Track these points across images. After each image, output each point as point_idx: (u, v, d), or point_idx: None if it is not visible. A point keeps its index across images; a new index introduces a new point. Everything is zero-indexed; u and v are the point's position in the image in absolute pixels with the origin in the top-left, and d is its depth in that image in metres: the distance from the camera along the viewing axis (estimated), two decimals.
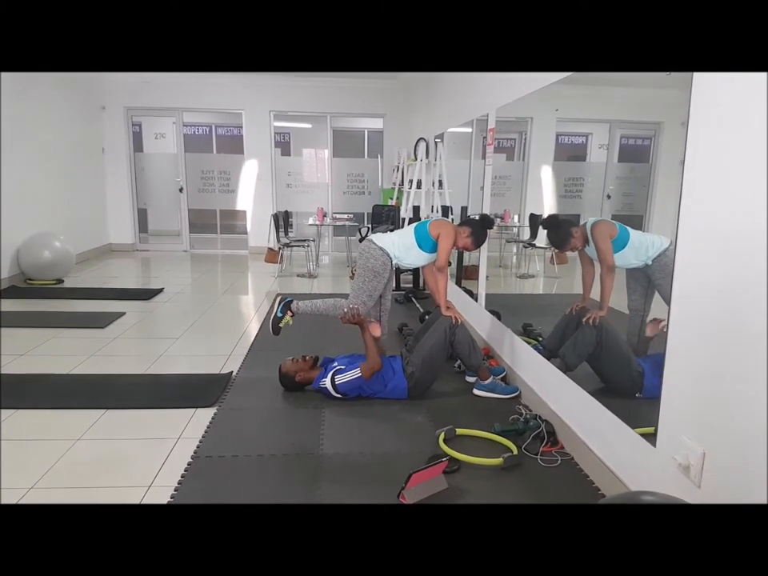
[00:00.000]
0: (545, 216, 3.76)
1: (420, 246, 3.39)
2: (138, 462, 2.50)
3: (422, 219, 4.17)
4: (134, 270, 7.77)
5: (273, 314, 3.42)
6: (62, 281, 6.48)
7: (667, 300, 1.88)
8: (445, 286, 3.40)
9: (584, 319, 2.67)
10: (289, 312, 3.28)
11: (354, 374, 3.11)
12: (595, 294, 2.67)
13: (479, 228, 3.44)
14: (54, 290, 6.09)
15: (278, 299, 3.50)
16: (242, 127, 9.04)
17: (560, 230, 3.00)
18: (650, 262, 2.32)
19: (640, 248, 2.40)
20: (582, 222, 2.87)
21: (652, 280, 2.31)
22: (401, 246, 3.40)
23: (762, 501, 1.45)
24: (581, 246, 2.79)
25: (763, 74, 1.41)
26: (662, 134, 2.44)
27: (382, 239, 3.43)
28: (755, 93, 1.45)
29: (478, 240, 3.45)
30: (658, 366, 1.91)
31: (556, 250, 3.70)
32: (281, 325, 3.21)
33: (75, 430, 2.77)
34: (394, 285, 3.67)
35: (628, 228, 2.50)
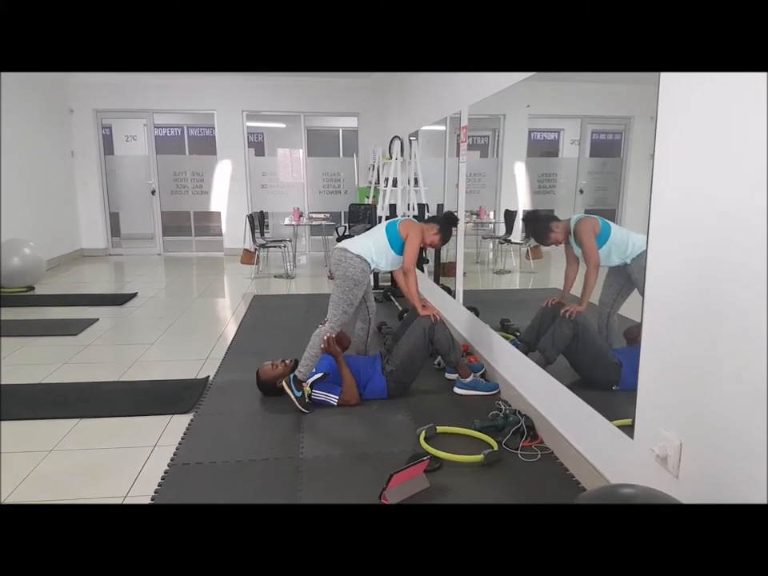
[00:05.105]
0: (522, 211, 3.78)
1: (392, 248, 3.33)
2: (114, 472, 2.45)
3: (398, 217, 4.15)
4: (107, 274, 7.63)
5: (293, 397, 3.08)
6: (33, 288, 6.34)
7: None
8: (415, 286, 3.38)
9: (561, 311, 2.68)
10: (303, 384, 3.13)
11: (331, 398, 3.09)
12: (575, 290, 2.69)
13: (446, 225, 3.49)
14: (25, 298, 5.95)
15: (284, 383, 3.13)
16: (214, 128, 8.94)
17: (539, 225, 3.01)
18: (628, 261, 2.32)
19: (620, 246, 2.39)
20: (566, 218, 2.85)
21: (631, 279, 2.31)
22: (376, 251, 3.32)
23: (738, 491, 1.46)
24: (562, 240, 2.80)
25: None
26: (632, 128, 2.46)
27: (357, 246, 3.32)
28: (720, 86, 1.47)
29: (446, 237, 3.50)
30: (635, 358, 1.93)
31: (532, 245, 3.73)
32: (307, 400, 3.08)
33: (49, 441, 2.70)
34: (372, 284, 3.64)
35: (610, 224, 2.49)
